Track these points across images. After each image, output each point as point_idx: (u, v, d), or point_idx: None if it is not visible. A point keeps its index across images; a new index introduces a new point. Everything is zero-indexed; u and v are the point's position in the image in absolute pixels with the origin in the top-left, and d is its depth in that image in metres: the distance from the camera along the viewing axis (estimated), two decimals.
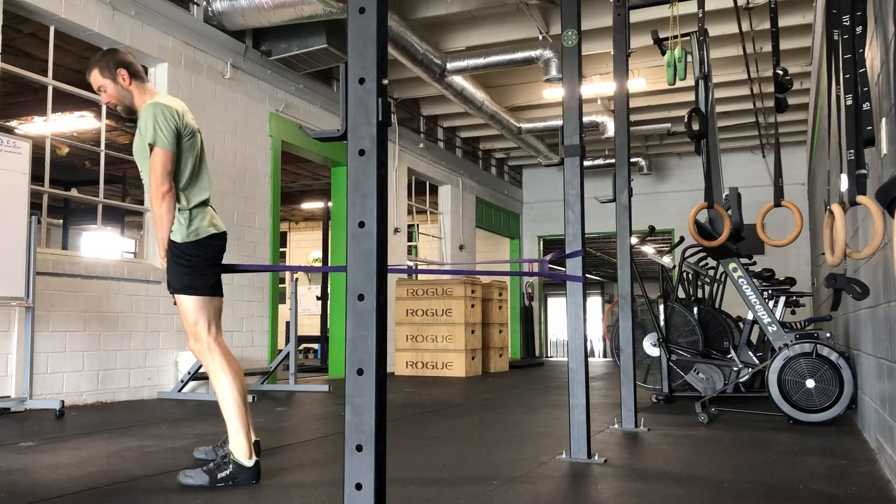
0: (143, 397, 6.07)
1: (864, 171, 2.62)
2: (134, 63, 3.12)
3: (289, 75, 7.86)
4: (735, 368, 5.57)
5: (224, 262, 3.10)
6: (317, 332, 13.33)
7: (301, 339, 13.14)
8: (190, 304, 2.93)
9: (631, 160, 5.31)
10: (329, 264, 10.15)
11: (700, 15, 4.78)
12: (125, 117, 3.19)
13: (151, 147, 2.91)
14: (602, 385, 7.59)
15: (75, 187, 11.20)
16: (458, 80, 8.67)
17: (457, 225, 12.10)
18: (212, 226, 3.01)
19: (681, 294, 6.83)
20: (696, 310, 6.21)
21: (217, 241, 3.03)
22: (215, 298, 3.01)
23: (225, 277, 3.10)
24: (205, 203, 3.03)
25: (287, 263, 17.89)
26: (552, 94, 9.83)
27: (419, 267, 12.23)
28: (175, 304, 2.99)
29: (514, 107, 10.79)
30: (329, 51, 7.19)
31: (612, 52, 4.59)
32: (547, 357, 17.06)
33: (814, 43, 7.41)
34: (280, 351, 7.18)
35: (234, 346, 6.86)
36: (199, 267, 2.95)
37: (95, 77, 3.08)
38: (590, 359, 8.09)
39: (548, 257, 3.37)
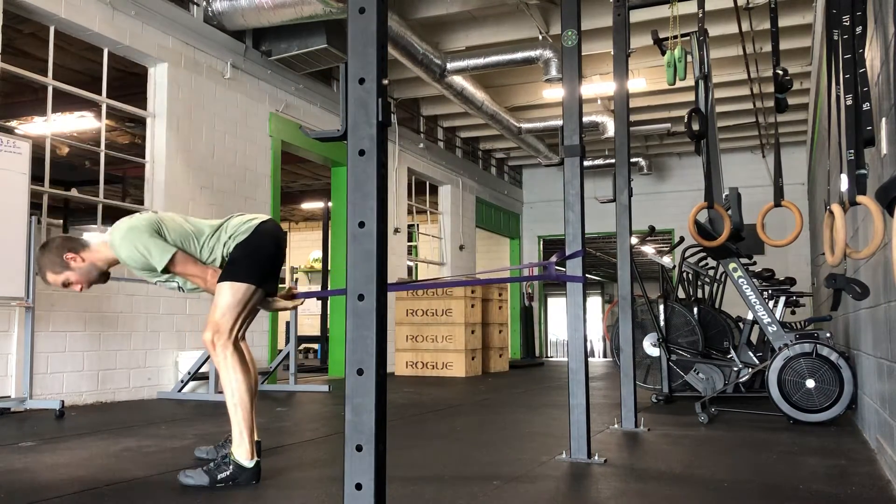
0: (143, 397, 6.07)
1: (864, 171, 2.62)
2: (69, 239, 2.95)
3: (289, 75, 7.86)
4: (735, 368, 5.57)
5: None
6: (317, 332, 13.33)
7: (301, 339, 13.14)
8: (227, 293, 2.85)
9: (631, 160, 5.31)
10: (329, 264, 10.15)
11: (700, 15, 4.78)
12: (107, 272, 3.02)
13: (168, 269, 2.86)
14: (602, 385, 7.59)
15: (75, 187, 11.19)
16: (458, 80, 8.67)
17: (457, 225, 12.10)
18: (252, 218, 2.99)
19: (681, 294, 6.83)
20: (696, 310, 6.21)
21: (266, 227, 2.99)
22: (258, 293, 2.92)
23: None
24: (224, 225, 2.99)
25: (287, 263, 17.87)
26: (552, 94, 9.82)
27: (419, 267, 12.23)
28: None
29: (514, 107, 10.79)
30: (329, 51, 7.19)
31: (612, 52, 4.59)
32: (547, 357, 17.06)
33: (814, 43, 7.41)
34: (280, 351, 7.18)
35: None
36: (252, 256, 2.91)
37: (54, 279, 2.91)
38: (590, 359, 8.09)
39: (553, 259, 3.36)
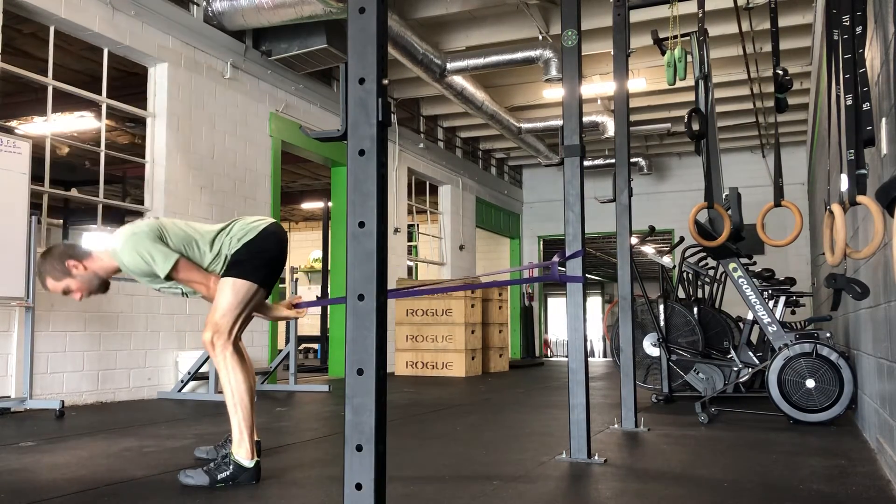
0: (143, 397, 6.07)
1: (864, 171, 2.62)
2: (71, 247, 2.96)
3: (289, 75, 7.86)
4: (735, 368, 5.57)
5: None
6: (317, 332, 13.33)
7: (301, 339, 13.14)
8: (229, 292, 2.85)
9: (631, 160, 5.31)
10: (329, 264, 10.15)
11: (700, 15, 4.78)
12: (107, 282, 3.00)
13: (171, 276, 2.84)
14: (602, 385, 7.59)
15: (75, 187, 11.19)
16: (458, 80, 8.66)
17: (457, 225, 12.10)
18: (259, 220, 2.99)
19: (681, 294, 6.83)
20: (696, 310, 6.21)
21: (272, 230, 2.98)
22: (261, 292, 2.94)
23: None
24: (228, 228, 2.98)
25: (287, 263, 17.88)
26: (552, 94, 9.82)
27: (419, 267, 12.23)
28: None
29: (514, 107, 10.79)
30: (329, 51, 7.19)
31: (612, 52, 4.59)
32: (547, 357, 17.06)
33: (814, 43, 7.41)
34: (280, 351, 7.18)
35: None
36: (257, 256, 2.90)
37: (54, 286, 2.90)
38: (590, 359, 8.09)
39: (556, 259, 3.36)
